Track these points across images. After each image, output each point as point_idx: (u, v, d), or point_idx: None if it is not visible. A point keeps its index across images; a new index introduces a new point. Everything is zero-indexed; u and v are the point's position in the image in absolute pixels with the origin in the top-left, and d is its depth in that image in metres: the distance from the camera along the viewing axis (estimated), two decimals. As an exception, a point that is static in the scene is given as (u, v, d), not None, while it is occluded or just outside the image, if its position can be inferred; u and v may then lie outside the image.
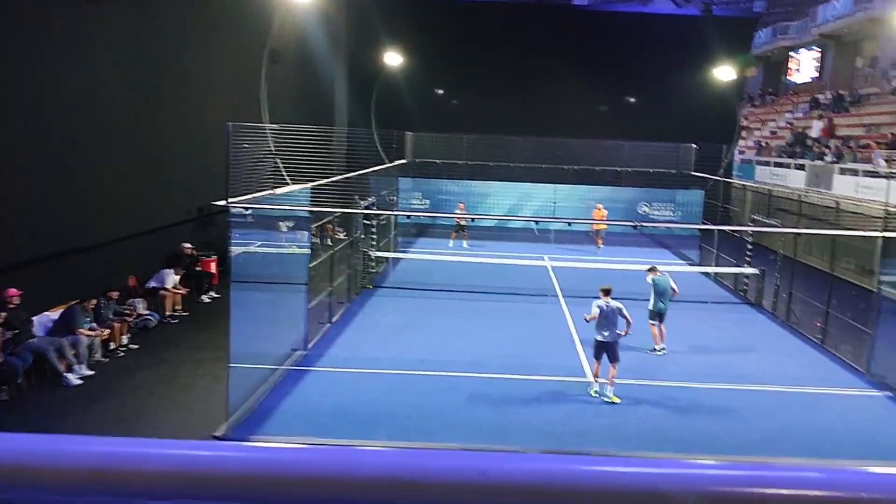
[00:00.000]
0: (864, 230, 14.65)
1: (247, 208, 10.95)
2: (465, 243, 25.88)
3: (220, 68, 20.18)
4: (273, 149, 13.03)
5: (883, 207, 14.62)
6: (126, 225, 15.89)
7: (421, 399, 11.84)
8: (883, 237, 13.56)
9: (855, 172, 22.17)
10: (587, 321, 12.34)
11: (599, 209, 26.46)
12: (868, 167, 21.70)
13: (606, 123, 30.25)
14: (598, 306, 12.00)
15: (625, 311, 12.01)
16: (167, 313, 15.61)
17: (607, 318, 11.91)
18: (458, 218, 24.94)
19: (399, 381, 12.57)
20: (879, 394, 12.93)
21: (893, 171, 18.87)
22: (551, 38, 29.17)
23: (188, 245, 17.71)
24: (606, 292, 12.14)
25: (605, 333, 11.91)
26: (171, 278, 15.89)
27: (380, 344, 14.62)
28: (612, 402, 11.82)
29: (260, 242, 13.26)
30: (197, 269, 17.59)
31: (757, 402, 12.27)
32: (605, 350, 11.97)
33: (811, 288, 17.42)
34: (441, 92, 32.55)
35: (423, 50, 27.94)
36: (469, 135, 26.74)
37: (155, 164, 17.31)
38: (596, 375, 12.16)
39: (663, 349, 14.54)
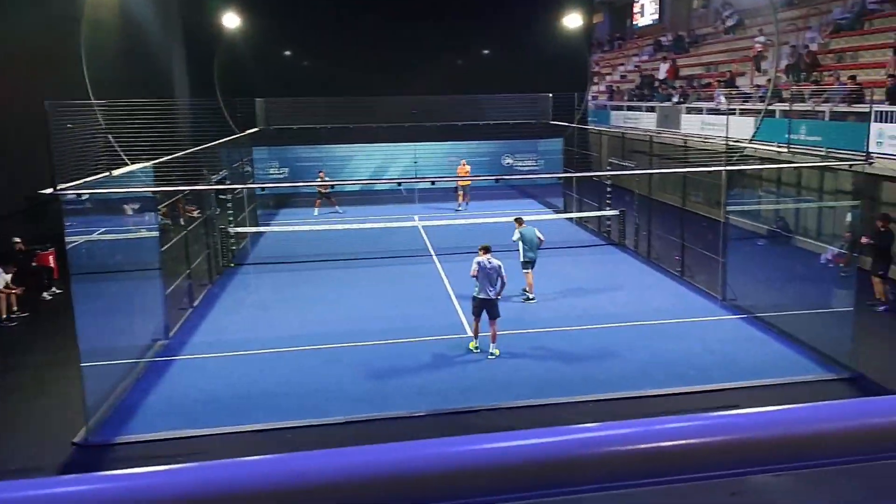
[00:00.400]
0: (710, 165, 15.38)
1: (80, 194, 9.93)
2: (337, 208, 25.31)
3: (31, 40, 18.30)
4: (104, 125, 11.92)
5: (725, 142, 15.39)
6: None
7: (298, 376, 11.44)
8: (726, 170, 14.26)
9: (699, 111, 23.31)
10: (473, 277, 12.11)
11: (464, 165, 26.49)
12: (711, 105, 22.85)
13: (463, 78, 30.21)
14: (478, 262, 11.85)
15: (502, 271, 11.84)
16: (3, 316, 14.25)
17: (487, 276, 11.76)
18: (319, 186, 24.27)
19: (273, 360, 12.07)
20: (734, 317, 13.76)
21: (733, 107, 19.95)
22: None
23: (18, 239, 16.10)
24: (486, 250, 12.00)
25: (486, 291, 11.78)
26: (2, 278, 14.43)
27: (248, 324, 13.98)
28: (494, 356, 11.87)
29: (102, 229, 12.19)
30: (33, 264, 16.07)
31: (627, 338, 12.78)
32: (485, 307, 11.86)
33: (667, 224, 18.25)
34: (289, 54, 31.30)
35: (264, 10, 26.60)
36: (325, 98, 25.86)
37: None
38: (476, 332, 12.13)
39: (533, 298, 14.94)
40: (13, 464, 8.99)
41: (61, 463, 9.08)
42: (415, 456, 0.91)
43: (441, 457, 0.91)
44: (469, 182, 24.87)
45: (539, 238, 14.88)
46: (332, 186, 24.77)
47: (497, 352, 11.94)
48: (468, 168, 26.30)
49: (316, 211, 25.28)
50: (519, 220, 15.17)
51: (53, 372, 11.78)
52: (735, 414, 0.92)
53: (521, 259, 14.86)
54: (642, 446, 0.90)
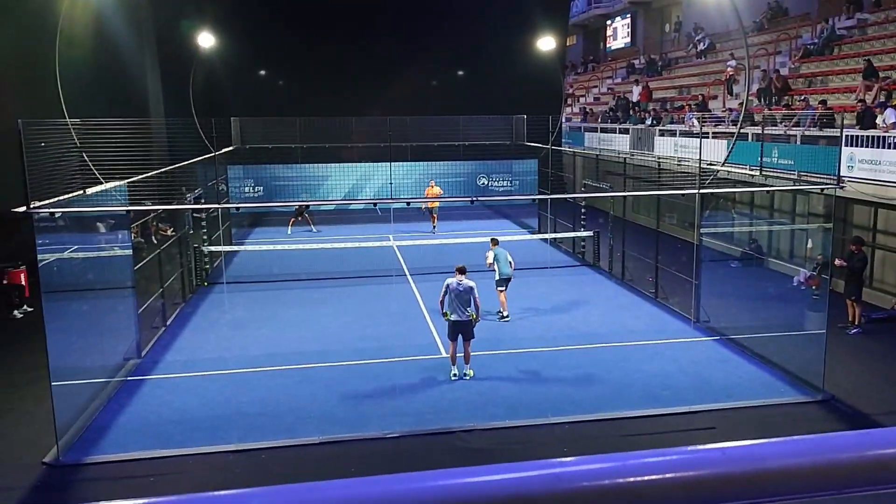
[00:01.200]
0: (684, 188, 15.61)
1: (53, 213, 9.81)
2: (312, 228, 25.26)
3: (4, 57, 18.10)
4: (78, 144, 11.80)
5: (698, 165, 15.62)
6: None
7: (273, 395, 11.35)
8: (700, 193, 14.49)
9: (673, 133, 23.69)
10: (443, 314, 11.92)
11: (433, 186, 25.59)
12: (683, 128, 23.24)
13: (439, 99, 30.37)
14: (447, 285, 11.71)
15: (476, 293, 11.66)
16: (-27, 335, 13.93)
17: (460, 298, 11.61)
18: (298, 205, 24.27)
19: (247, 380, 11.97)
20: (707, 339, 13.90)
21: (706, 130, 20.27)
22: (374, 11, 28.73)
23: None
24: (461, 271, 11.84)
25: (459, 313, 11.63)
26: (-28, 296, 14.16)
27: (221, 343, 13.86)
28: (468, 377, 11.86)
29: (75, 247, 12.03)
30: (3, 282, 15.79)
31: (602, 359, 12.86)
32: (460, 330, 11.71)
33: (641, 245, 18.45)
34: (264, 73, 31.30)
35: (239, 30, 26.60)
36: (301, 117, 25.87)
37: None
38: (453, 358, 11.95)
39: (508, 316, 15.05)
40: (-21, 486, 8.80)
41: (32, 484, 8.90)
42: (370, 492, 0.91)
43: (412, 492, 0.92)
44: (437, 204, 24.69)
45: (510, 261, 14.98)
46: (308, 207, 24.72)
47: (471, 372, 11.91)
48: (438, 190, 25.49)
49: (290, 230, 25.18)
50: (494, 241, 15.26)
51: (24, 390, 11.58)
52: (708, 449, 0.95)
53: (496, 278, 14.92)
54: (619, 480, 0.92)
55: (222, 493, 0.92)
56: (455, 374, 11.89)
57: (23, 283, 16.42)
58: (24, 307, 15.94)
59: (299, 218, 25.27)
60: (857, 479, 0.91)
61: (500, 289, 14.98)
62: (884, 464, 0.90)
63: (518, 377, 12.10)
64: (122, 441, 9.90)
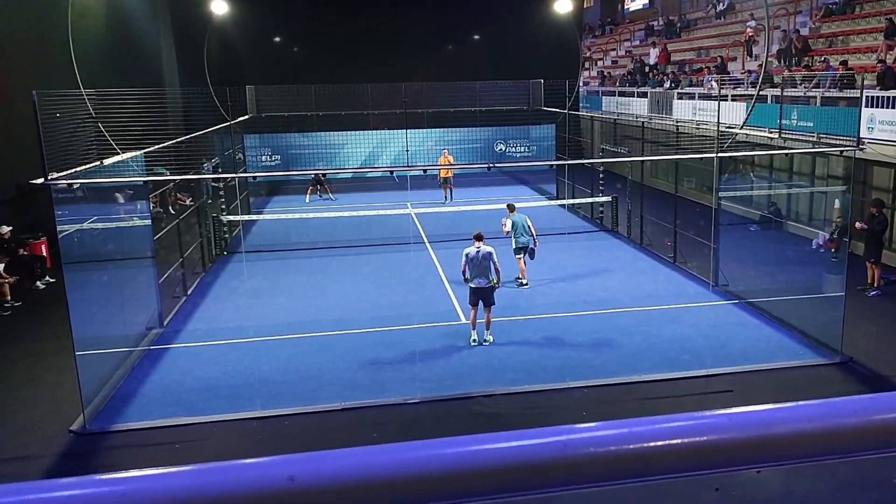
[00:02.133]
0: (702, 151, 15.43)
1: (71, 184, 9.89)
2: (331, 196, 25.43)
3: (19, 29, 18.12)
4: (94, 114, 11.84)
5: (716, 128, 15.42)
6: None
7: (293, 363, 11.49)
8: (718, 157, 14.31)
9: (691, 96, 23.32)
10: (465, 281, 11.98)
11: (445, 155, 25.22)
12: (702, 90, 22.87)
13: (454, 64, 30.08)
14: (466, 254, 11.78)
15: (495, 258, 11.79)
16: (-4, 305, 14.19)
17: (479, 265, 11.72)
18: (316, 173, 24.39)
19: (267, 348, 12.10)
20: (726, 303, 13.85)
21: (725, 93, 19.96)
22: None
23: (6, 228, 16.04)
24: (478, 238, 11.91)
25: (479, 280, 11.72)
26: (-5, 267, 14.38)
27: (242, 312, 14.00)
28: (488, 342, 11.94)
29: (94, 218, 12.14)
30: (22, 253, 16.00)
31: (620, 323, 12.86)
32: (480, 296, 11.79)
33: (660, 209, 18.32)
34: (278, 40, 31.08)
35: None
36: (316, 84, 25.75)
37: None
38: (473, 323, 12.01)
39: (527, 283, 15.04)
40: (11, 452, 9.02)
41: (59, 451, 9.11)
42: (406, 458, 0.93)
43: (433, 458, 0.93)
44: (451, 173, 24.45)
45: (529, 226, 14.87)
46: (325, 175, 24.77)
47: (491, 338, 11.98)
48: (451, 158, 25.07)
49: (307, 198, 25.23)
50: (511, 207, 15.20)
51: (48, 360, 11.78)
52: (715, 414, 0.96)
53: (514, 245, 14.89)
54: (630, 447, 0.92)
55: (266, 458, 0.94)
56: (475, 340, 11.94)
57: (44, 254, 16.66)
58: (46, 278, 16.17)
59: (317, 187, 25.33)
60: (864, 444, 0.92)
61: (517, 256, 14.93)
62: (890, 428, 0.90)
63: (537, 342, 12.14)
64: (147, 409, 10.07)
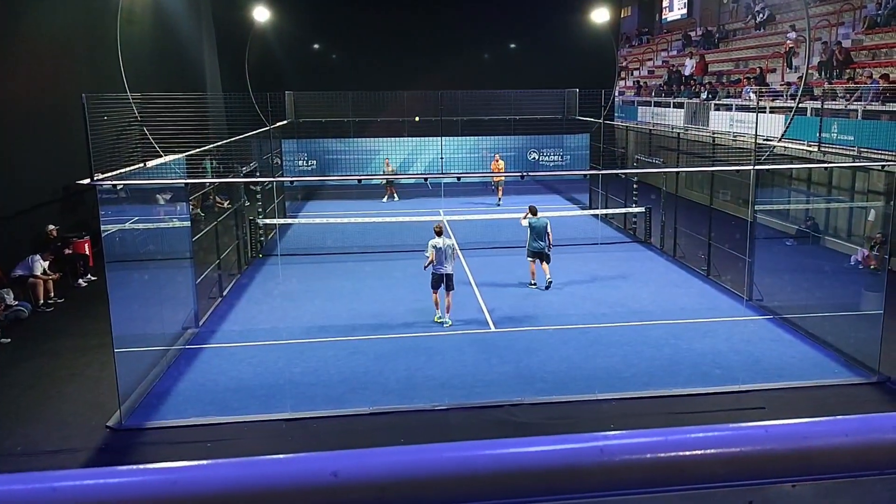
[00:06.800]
0: (739, 163, 15.28)
1: (115, 185, 10.15)
2: (387, 198, 26.43)
3: (70, 34, 18.64)
4: (139, 118, 12.15)
5: (754, 140, 15.27)
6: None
7: (325, 366, 11.61)
8: (755, 170, 14.17)
9: (729, 108, 23.08)
10: (425, 268, 13.41)
11: (497, 160, 26.09)
12: (740, 101, 22.62)
13: (490, 73, 30.14)
14: (433, 246, 13.16)
15: (456, 248, 13.54)
16: (40, 302, 14.56)
17: (445, 255, 13.16)
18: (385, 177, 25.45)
19: (300, 351, 12.25)
20: (760, 318, 13.67)
21: (763, 104, 19.75)
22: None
23: (53, 227, 16.47)
24: (439, 232, 13.27)
25: (439, 267, 13.19)
26: (39, 264, 14.75)
27: (276, 314, 14.19)
28: (447, 324, 13.13)
29: (135, 218, 12.43)
30: (67, 251, 16.42)
31: (652, 336, 12.76)
32: (443, 281, 13.20)
33: (694, 221, 18.15)
34: (318, 47, 31.45)
35: (294, 4, 26.78)
36: (353, 91, 26.01)
37: (6, 144, 15.84)
38: (437, 304, 13.45)
39: (535, 285, 15.55)
40: (49, 445, 9.26)
41: (96, 445, 9.33)
42: (448, 457, 0.96)
43: (474, 459, 0.96)
44: (503, 178, 24.96)
45: (548, 233, 15.31)
46: (360, 181, 25.17)
47: (450, 321, 13.18)
48: (502, 164, 26.01)
49: (385, 199, 26.34)
50: (533, 210, 15.48)
51: (90, 356, 12.03)
52: (751, 426, 0.99)
53: (528, 249, 15.39)
54: (666, 455, 0.96)
55: (298, 454, 0.99)
56: (439, 317, 13.38)
57: (87, 252, 17.06)
58: (88, 276, 16.55)
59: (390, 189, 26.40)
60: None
61: (529, 259, 15.44)
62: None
63: (567, 353, 12.12)
64: (181, 407, 10.24)
